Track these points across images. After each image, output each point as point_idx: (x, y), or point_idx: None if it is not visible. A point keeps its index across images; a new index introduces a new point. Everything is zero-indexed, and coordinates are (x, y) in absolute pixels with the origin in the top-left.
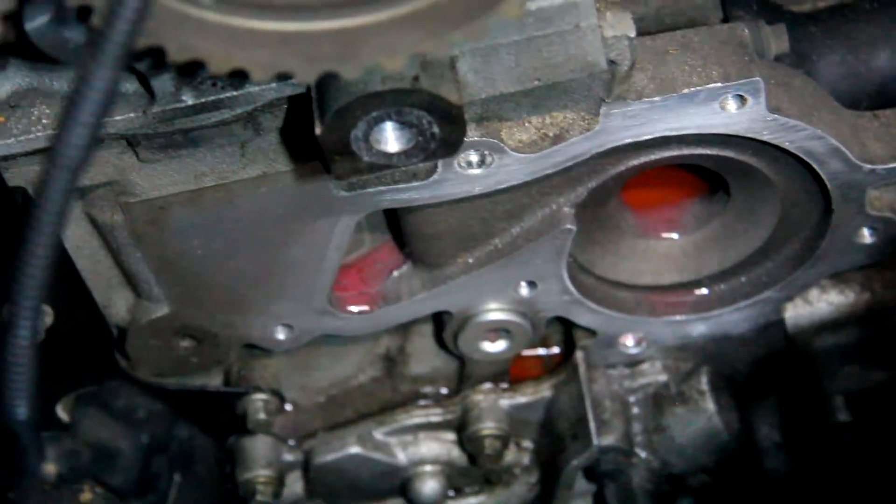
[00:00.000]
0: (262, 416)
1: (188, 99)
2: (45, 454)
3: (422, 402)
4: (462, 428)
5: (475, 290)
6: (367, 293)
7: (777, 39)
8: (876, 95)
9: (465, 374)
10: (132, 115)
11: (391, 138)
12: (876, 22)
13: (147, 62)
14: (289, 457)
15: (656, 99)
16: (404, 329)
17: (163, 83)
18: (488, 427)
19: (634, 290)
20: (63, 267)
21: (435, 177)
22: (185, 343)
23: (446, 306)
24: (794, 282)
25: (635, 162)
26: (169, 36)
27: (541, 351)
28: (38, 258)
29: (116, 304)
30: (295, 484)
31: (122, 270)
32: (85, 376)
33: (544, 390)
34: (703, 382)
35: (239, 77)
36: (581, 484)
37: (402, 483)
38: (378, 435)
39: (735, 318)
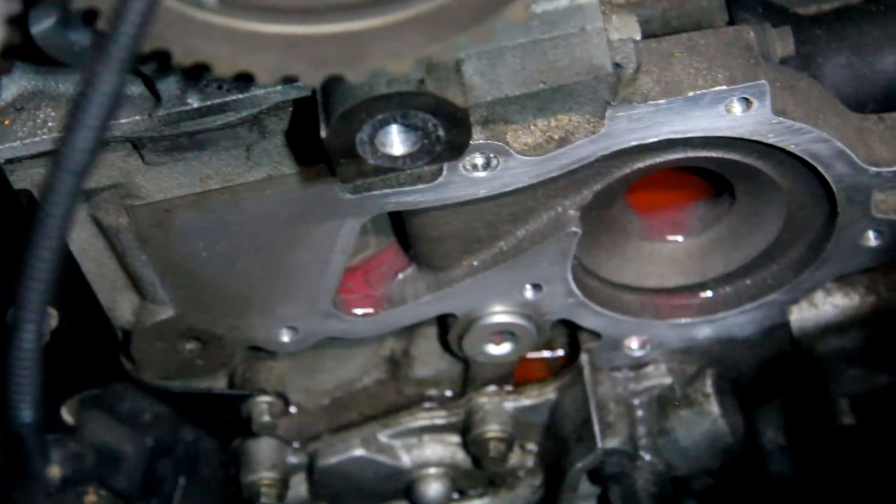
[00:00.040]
0: (266, 418)
1: (194, 102)
2: (50, 457)
3: (426, 405)
4: (466, 430)
5: (480, 293)
6: (371, 296)
7: (782, 42)
8: (881, 98)
9: (469, 377)
10: (138, 118)
11: (396, 141)
12: (881, 25)
13: (152, 65)
14: (293, 459)
15: (662, 102)
16: (409, 332)
17: (168, 86)
18: (493, 430)
19: (639, 292)
20: (68, 269)
21: (440, 179)
22: (190, 345)
23: (451, 309)
24: (800, 284)
25: (640, 165)
26: (174, 39)
27: (545, 353)
28: (44, 261)
29: (121, 306)
30: (299, 486)
31: (127, 273)
32: (90, 379)
33: (549, 393)
34: (708, 385)
35: (244, 80)
36: (585, 486)
37: (406, 486)
38: (382, 437)
39: (740, 321)
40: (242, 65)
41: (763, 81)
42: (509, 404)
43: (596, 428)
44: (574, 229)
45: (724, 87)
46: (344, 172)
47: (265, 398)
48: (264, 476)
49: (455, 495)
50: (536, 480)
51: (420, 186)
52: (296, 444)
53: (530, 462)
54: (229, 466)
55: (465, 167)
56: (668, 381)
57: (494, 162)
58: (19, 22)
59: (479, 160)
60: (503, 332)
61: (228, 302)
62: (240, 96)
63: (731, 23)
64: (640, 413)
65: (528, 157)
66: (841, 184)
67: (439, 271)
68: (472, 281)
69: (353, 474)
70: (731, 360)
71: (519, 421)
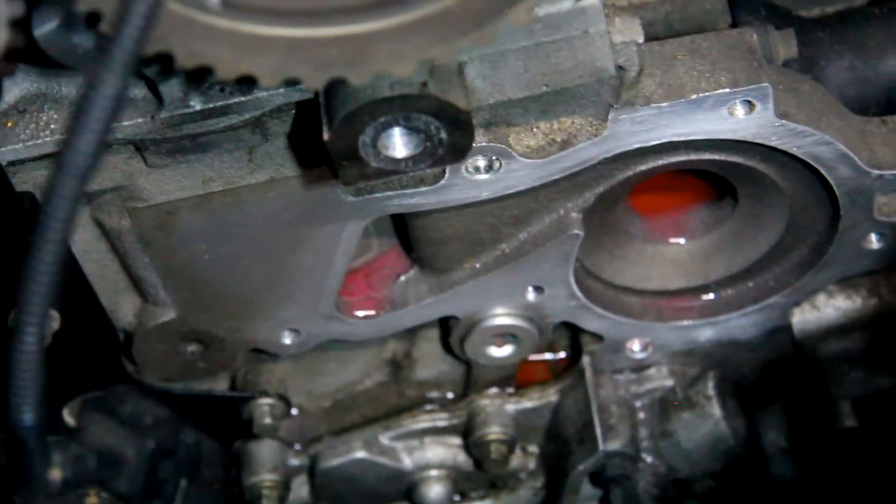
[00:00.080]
0: (268, 420)
1: (196, 104)
2: (51, 459)
3: (428, 407)
4: (468, 433)
5: (482, 295)
6: (373, 298)
7: (785, 45)
8: (884, 101)
9: (471, 379)
10: (140, 120)
11: (399, 144)
12: (884, 27)
13: (155, 68)
14: (295, 461)
15: (664, 104)
16: (411, 334)
17: (171, 89)
18: (494, 432)
19: (642, 295)
20: (70, 271)
21: (442, 182)
22: (192, 348)
23: (453, 311)
24: (802, 287)
25: (643, 167)
26: (177, 42)
27: (547, 356)
28: (46, 263)
29: (123, 308)
30: (300, 488)
31: (129, 275)
32: (91, 381)
33: (550, 395)
34: (710, 387)
35: (247, 83)
36: (587, 489)
37: (407, 488)
38: (384, 439)
39: (742, 324)
40: (245, 67)
41: (766, 84)
42: (511, 406)
43: (598, 430)
44: (576, 232)
45: (727, 90)
46: (346, 175)
47: (267, 400)
48: (266, 478)
49: (456, 497)
50: (538, 482)
51: (422, 189)
52: (297, 447)
53: (532, 464)
54: (231, 468)
55: (467, 170)
56: (669, 383)
57: (497, 164)
58: (22, 24)
59: (482, 163)
60: (505, 335)
61: (230, 304)
62: (242, 99)
63: (734, 25)
64: (641, 415)
65: (530, 160)
66: (843, 187)
67: (441, 273)
68: (474, 283)
69: (355, 476)
70: (733, 362)
71: (520, 423)
